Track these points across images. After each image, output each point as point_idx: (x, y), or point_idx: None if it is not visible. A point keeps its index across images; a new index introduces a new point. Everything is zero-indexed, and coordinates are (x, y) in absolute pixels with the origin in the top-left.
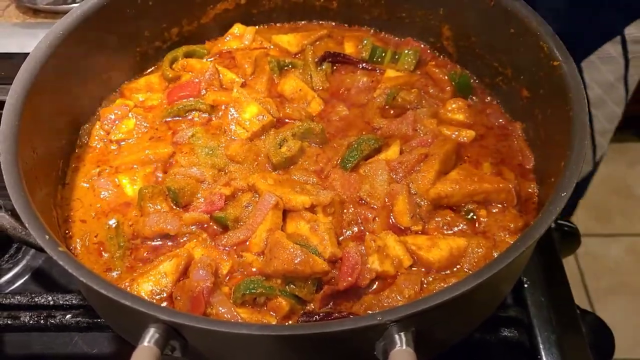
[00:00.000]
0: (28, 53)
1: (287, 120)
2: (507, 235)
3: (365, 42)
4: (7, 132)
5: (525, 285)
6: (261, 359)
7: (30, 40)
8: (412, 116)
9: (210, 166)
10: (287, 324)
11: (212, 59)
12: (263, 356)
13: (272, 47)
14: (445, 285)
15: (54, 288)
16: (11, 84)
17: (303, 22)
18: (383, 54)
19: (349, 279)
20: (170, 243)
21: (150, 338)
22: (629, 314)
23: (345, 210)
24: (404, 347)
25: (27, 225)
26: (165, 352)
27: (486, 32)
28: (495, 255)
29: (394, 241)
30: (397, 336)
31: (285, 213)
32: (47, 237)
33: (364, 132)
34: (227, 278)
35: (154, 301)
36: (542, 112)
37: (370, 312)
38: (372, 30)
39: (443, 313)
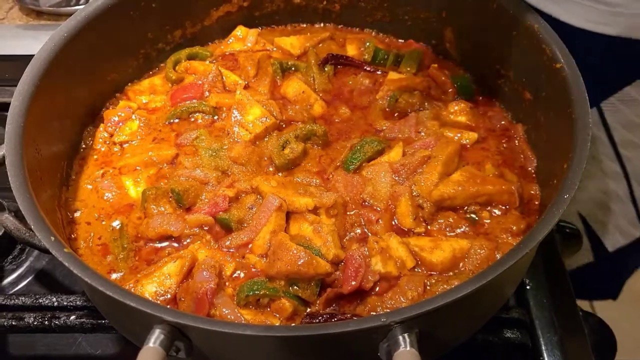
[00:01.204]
0: (31, 55)
1: (290, 123)
2: (509, 237)
3: (367, 44)
4: (12, 134)
5: (528, 287)
6: None
7: (33, 42)
8: (415, 118)
9: (214, 168)
10: (291, 325)
11: (215, 61)
12: (267, 357)
13: (274, 49)
14: (448, 287)
15: (57, 289)
16: (14, 85)
17: (305, 24)
18: (385, 56)
19: (353, 282)
20: (174, 245)
21: (155, 339)
22: (631, 316)
23: (348, 212)
24: (408, 348)
25: (32, 226)
26: (170, 353)
27: (488, 35)
28: (498, 256)
29: (396, 243)
30: (401, 337)
31: (289, 215)
32: (52, 238)
33: (366, 134)
34: (231, 279)
35: (158, 302)
36: (544, 114)
37: (374, 313)
38: (374, 33)
39: (447, 314)
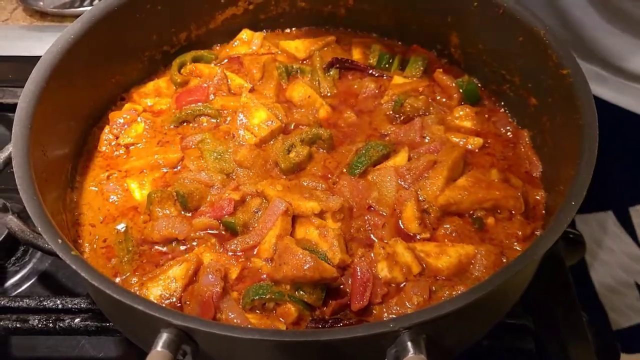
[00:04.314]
0: (35, 56)
1: (295, 126)
2: (515, 243)
3: (372, 48)
4: (19, 135)
5: (533, 293)
6: None
7: (37, 43)
8: (420, 123)
9: (219, 171)
10: (299, 330)
11: (220, 64)
12: None
13: (279, 52)
14: (453, 292)
15: (60, 291)
16: (18, 86)
17: (311, 28)
18: (390, 61)
19: (362, 301)
20: (179, 248)
21: (163, 343)
22: None
23: (353, 217)
24: (416, 354)
25: (39, 228)
26: (177, 357)
27: (494, 40)
28: (504, 262)
29: (403, 248)
30: (409, 343)
31: (294, 219)
32: (60, 241)
33: (371, 138)
34: (236, 283)
35: (164, 305)
36: (551, 119)
37: (380, 319)
38: (379, 37)
39: (455, 320)
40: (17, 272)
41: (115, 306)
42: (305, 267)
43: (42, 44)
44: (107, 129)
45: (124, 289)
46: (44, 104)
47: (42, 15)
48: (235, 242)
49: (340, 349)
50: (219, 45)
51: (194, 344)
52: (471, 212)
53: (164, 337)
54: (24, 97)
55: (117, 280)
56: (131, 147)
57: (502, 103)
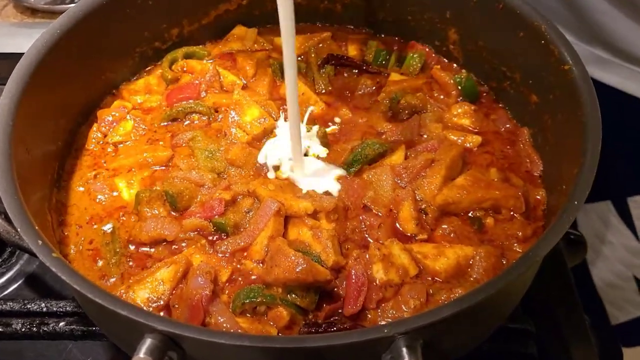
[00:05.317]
0: None
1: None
2: (515, 244)
3: (369, 44)
4: (0, 133)
5: (534, 296)
6: None
7: (27, 40)
8: (417, 120)
9: (210, 170)
10: (289, 335)
11: (212, 60)
12: None
13: (274, 49)
14: (452, 295)
15: (48, 293)
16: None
17: (306, 24)
18: (387, 57)
19: (355, 306)
20: (167, 249)
21: (146, 349)
22: None
23: (348, 217)
24: None
25: (19, 229)
26: None
27: (494, 36)
28: (504, 263)
29: (399, 249)
30: (404, 349)
31: (287, 219)
32: (40, 242)
33: (367, 136)
34: (227, 286)
35: (151, 309)
36: (552, 117)
37: (375, 324)
38: (376, 33)
39: (453, 324)
40: (3, 274)
41: (99, 310)
42: (297, 270)
43: (32, 40)
44: (95, 127)
45: (106, 292)
46: (28, 101)
47: (33, 12)
48: (226, 243)
49: (332, 355)
50: (212, 41)
51: (181, 350)
52: (470, 212)
53: (147, 343)
54: (6, 93)
55: (104, 282)
56: (120, 146)
57: (502, 100)
